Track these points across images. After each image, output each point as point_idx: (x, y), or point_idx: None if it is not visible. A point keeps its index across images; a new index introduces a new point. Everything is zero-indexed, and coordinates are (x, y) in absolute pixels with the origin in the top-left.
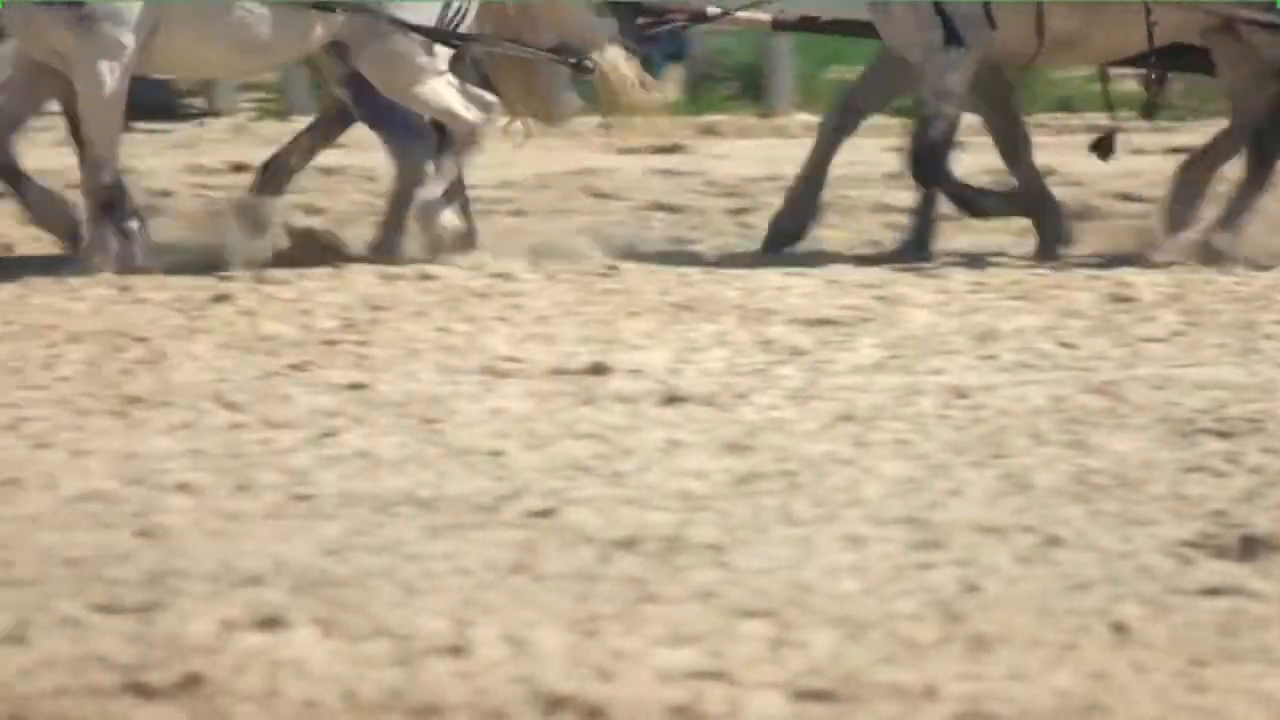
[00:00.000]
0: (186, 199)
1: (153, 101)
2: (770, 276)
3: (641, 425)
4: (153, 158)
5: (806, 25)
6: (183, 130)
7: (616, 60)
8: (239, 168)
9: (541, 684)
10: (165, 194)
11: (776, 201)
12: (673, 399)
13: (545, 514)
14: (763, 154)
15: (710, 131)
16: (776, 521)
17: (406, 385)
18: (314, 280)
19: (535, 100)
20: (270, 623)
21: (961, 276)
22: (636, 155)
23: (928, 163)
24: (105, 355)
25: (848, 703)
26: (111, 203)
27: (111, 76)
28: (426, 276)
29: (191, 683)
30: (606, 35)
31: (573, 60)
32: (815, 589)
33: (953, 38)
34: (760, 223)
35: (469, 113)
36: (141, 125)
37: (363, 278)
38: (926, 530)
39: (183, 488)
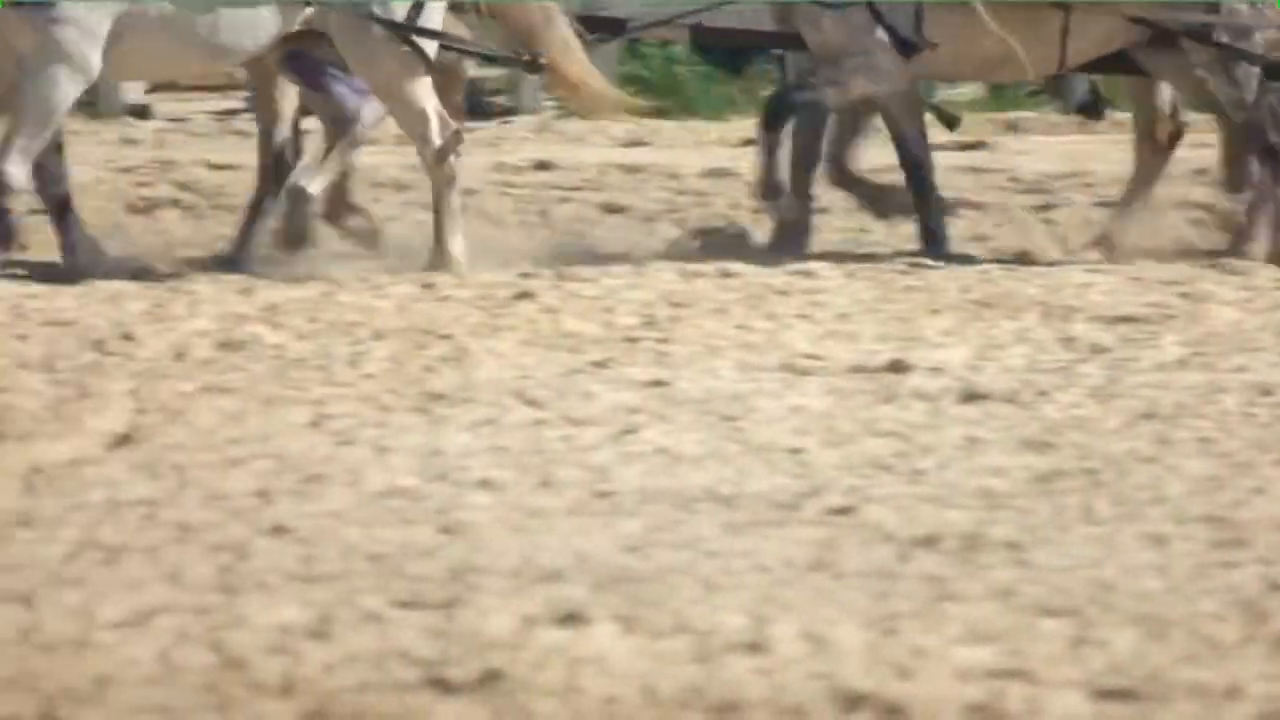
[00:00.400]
0: (491, 197)
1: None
2: (1073, 273)
3: (941, 423)
4: (454, 156)
5: (726, 38)
6: (488, 129)
7: (570, 59)
8: (542, 166)
9: (840, 681)
10: (470, 192)
11: (1080, 198)
12: (973, 396)
13: (845, 511)
14: (1066, 150)
15: (1013, 128)
16: (1077, 520)
17: (707, 382)
18: (616, 278)
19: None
20: (571, 619)
21: (1267, 274)
22: (940, 152)
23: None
24: (409, 352)
25: (1149, 702)
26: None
27: (70, 82)
28: (727, 274)
29: (492, 678)
30: (563, 33)
31: (526, 58)
32: (1116, 587)
33: (901, 46)
34: (1063, 219)
35: (438, 135)
36: None
37: (663, 275)
38: (1230, 529)
39: (485, 484)
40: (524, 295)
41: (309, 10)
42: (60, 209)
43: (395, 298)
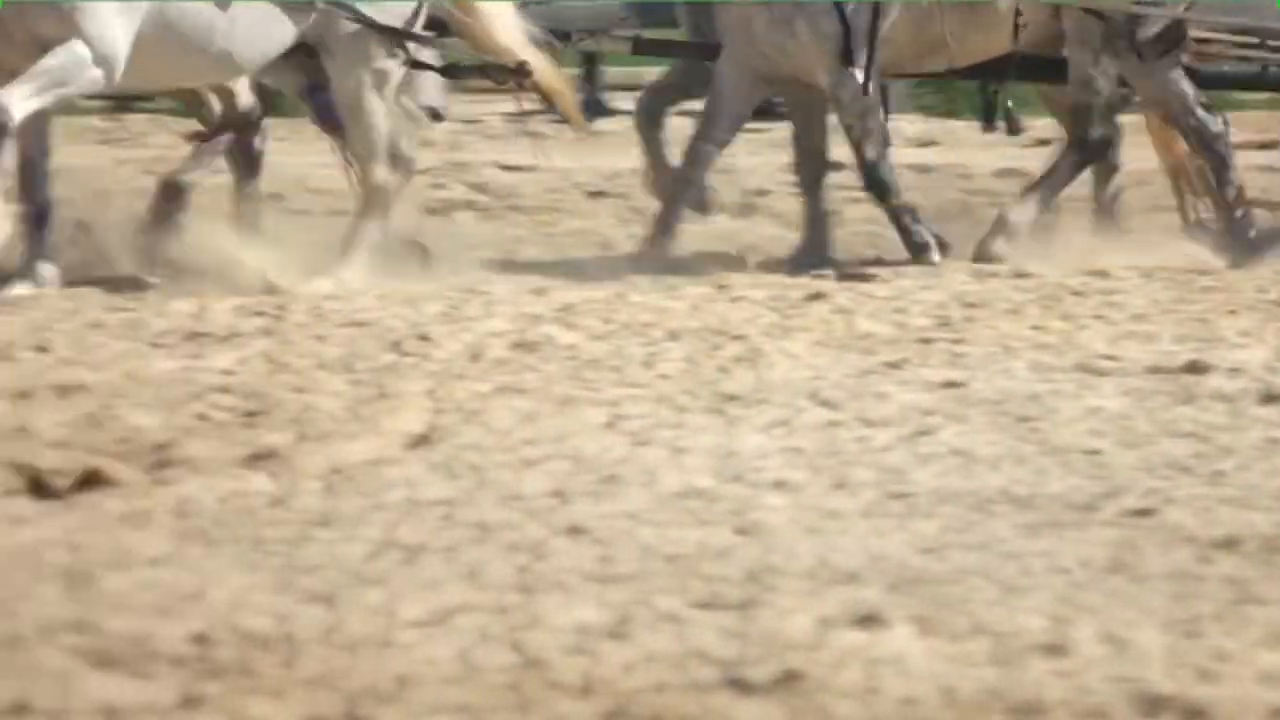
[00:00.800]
0: (782, 198)
1: None
2: None
3: (1241, 424)
4: (749, 156)
5: (667, 49)
6: (780, 129)
7: (546, 66)
8: (834, 166)
9: (1142, 684)
10: (760, 193)
11: None
12: (1273, 398)
13: (1144, 513)
14: None
15: None
16: None
17: (1002, 383)
18: (909, 278)
19: None
20: (868, 620)
21: None
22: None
23: (878, 180)
24: (703, 352)
25: None
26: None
27: (90, 63)
28: (1021, 275)
29: (790, 679)
30: (536, 42)
31: (514, 68)
32: None
33: (850, 53)
34: None
35: (383, 170)
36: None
37: (957, 275)
38: None
39: (780, 485)
40: (817, 296)
41: (313, 17)
42: (41, 216)
43: (689, 298)
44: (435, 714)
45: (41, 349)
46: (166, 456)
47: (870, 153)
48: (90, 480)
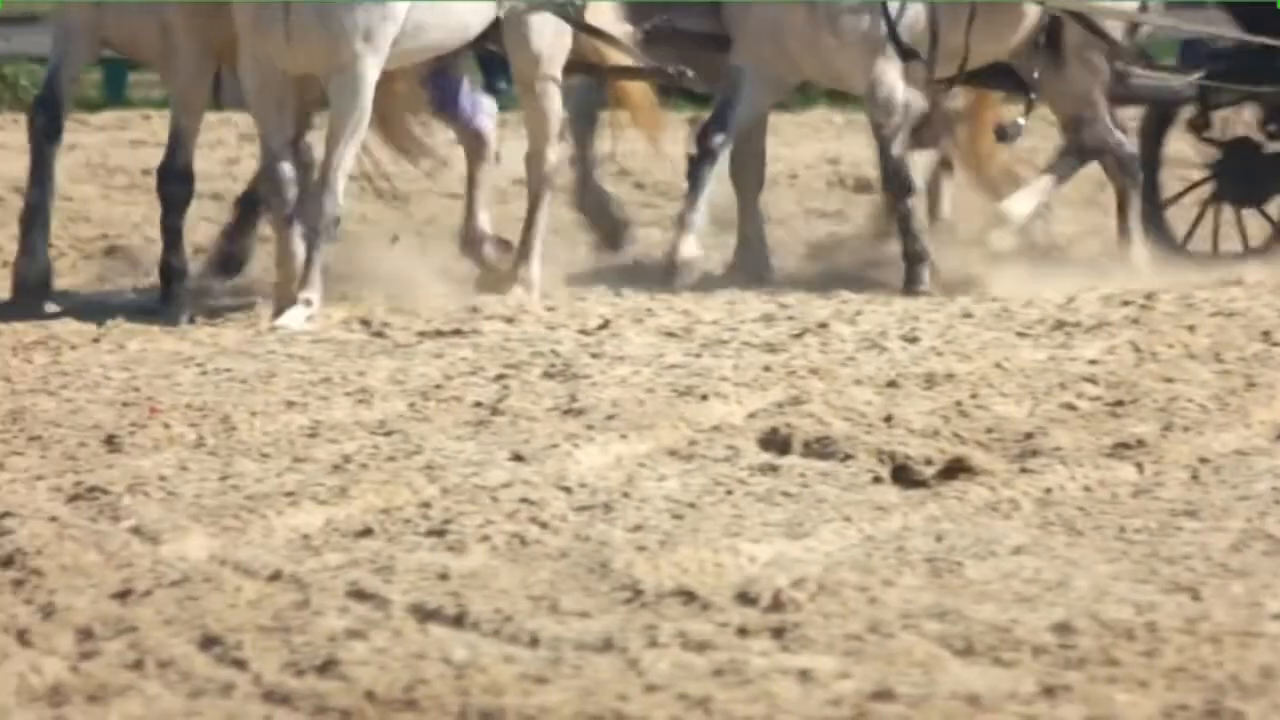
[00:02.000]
0: None
1: None
2: None
3: None
4: None
5: (674, 41)
6: None
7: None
8: None
9: None
10: None
11: None
12: None
13: None
14: None
15: None
16: None
17: None
18: None
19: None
20: None
21: None
22: None
23: (900, 179)
24: None
25: None
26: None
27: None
28: None
29: None
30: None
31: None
32: None
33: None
34: None
35: (554, 152)
36: None
37: None
38: None
39: None
40: None
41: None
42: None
43: None
44: None
45: (911, 339)
46: (1032, 446)
47: (895, 150)
48: (955, 469)
